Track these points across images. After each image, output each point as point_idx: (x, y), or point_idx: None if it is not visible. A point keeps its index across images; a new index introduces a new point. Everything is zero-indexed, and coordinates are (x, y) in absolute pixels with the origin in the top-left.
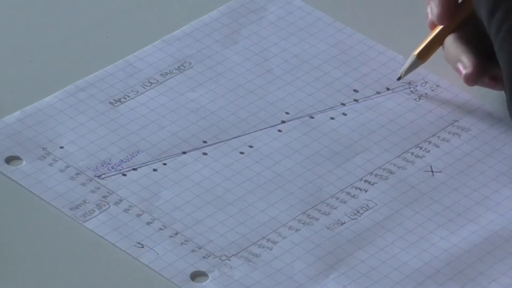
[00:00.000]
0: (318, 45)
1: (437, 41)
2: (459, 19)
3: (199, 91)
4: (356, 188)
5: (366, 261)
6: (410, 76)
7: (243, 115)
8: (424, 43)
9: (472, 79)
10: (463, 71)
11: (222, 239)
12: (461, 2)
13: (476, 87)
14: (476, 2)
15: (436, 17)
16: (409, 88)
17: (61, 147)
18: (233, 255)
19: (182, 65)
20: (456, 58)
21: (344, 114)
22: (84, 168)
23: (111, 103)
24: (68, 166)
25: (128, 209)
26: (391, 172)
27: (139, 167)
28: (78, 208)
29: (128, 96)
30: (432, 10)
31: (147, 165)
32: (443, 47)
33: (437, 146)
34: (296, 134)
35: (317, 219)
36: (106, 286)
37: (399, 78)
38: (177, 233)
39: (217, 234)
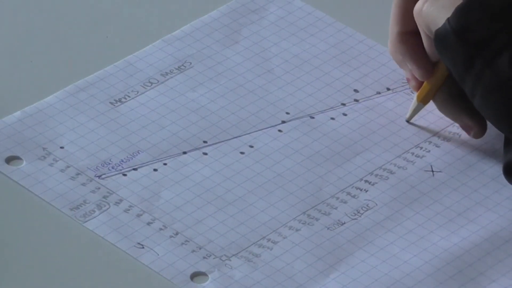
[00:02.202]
0: (319, 45)
1: (435, 86)
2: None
3: (200, 91)
4: (357, 188)
5: (367, 260)
6: None
7: (244, 115)
8: (426, 90)
9: (482, 135)
10: (471, 132)
11: (222, 239)
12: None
13: None
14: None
15: (421, 76)
16: (409, 88)
17: (62, 147)
18: (233, 255)
19: (182, 65)
20: (455, 118)
21: (345, 114)
22: (84, 168)
23: (111, 103)
24: (68, 166)
25: (128, 209)
26: (391, 172)
27: (139, 167)
28: (78, 208)
29: (129, 96)
30: (414, 72)
31: (147, 165)
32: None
33: (438, 146)
34: (297, 134)
35: (317, 219)
36: (106, 287)
37: (407, 121)
38: (177, 233)
39: (217, 234)
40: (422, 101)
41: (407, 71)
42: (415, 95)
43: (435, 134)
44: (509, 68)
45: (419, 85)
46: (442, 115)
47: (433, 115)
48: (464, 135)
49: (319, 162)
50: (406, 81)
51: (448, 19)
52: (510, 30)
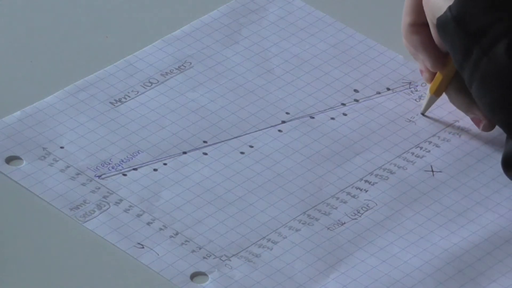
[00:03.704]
0: (318, 45)
1: (447, 77)
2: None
3: (200, 91)
4: (357, 188)
5: (367, 260)
6: (410, 77)
7: (244, 115)
8: (438, 81)
9: (491, 128)
10: (481, 125)
11: (222, 239)
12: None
13: None
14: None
15: (432, 67)
16: (409, 88)
17: (62, 147)
18: (233, 255)
19: (182, 65)
20: (467, 109)
21: (345, 114)
22: (84, 168)
23: (111, 103)
24: (68, 166)
25: (128, 209)
26: (391, 172)
27: (139, 167)
28: (78, 208)
29: (129, 96)
30: (426, 63)
31: (147, 165)
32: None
33: (438, 146)
34: (297, 134)
35: (317, 219)
36: (106, 287)
37: (422, 114)
38: (177, 233)
39: (217, 234)
40: (435, 94)
41: (420, 62)
42: (427, 89)
43: (435, 134)
44: (506, 56)
45: (432, 76)
46: (442, 115)
47: (433, 115)
48: (464, 135)
49: (319, 162)
50: (420, 73)
51: (449, 7)
52: (508, 19)
